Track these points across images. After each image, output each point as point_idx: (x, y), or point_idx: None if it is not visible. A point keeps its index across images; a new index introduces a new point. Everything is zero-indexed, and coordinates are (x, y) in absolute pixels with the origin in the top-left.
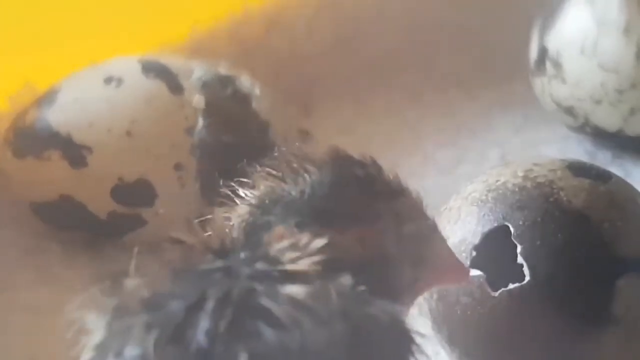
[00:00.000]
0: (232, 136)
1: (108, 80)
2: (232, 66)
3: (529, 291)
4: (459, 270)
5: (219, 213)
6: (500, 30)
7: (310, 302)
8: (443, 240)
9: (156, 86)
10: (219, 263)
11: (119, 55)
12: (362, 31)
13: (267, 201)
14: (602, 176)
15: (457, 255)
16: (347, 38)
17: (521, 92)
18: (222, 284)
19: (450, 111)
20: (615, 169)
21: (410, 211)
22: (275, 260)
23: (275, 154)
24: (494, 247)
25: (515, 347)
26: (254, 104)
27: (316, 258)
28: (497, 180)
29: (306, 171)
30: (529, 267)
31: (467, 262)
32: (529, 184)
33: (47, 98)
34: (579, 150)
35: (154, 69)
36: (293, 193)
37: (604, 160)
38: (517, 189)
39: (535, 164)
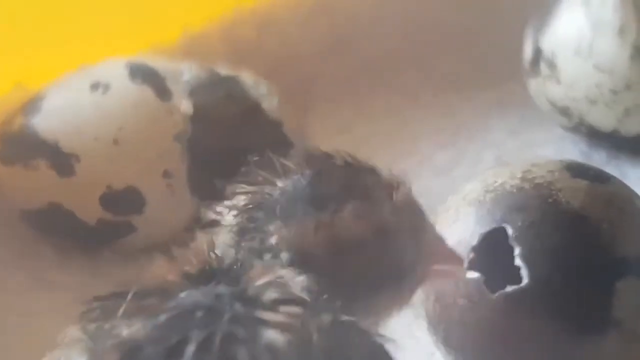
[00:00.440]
0: (227, 138)
1: (95, 86)
2: (233, 66)
3: (527, 293)
4: (451, 255)
5: (201, 233)
6: (497, 31)
7: (290, 351)
8: (431, 224)
9: (143, 92)
10: (200, 297)
11: (110, 57)
12: (358, 31)
13: (252, 206)
14: (600, 177)
15: None
16: (343, 38)
17: (518, 93)
18: (204, 326)
19: (448, 112)
20: (610, 170)
21: (392, 182)
22: (256, 300)
23: (250, 164)
24: (491, 248)
25: (512, 350)
26: (263, 104)
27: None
28: (495, 181)
29: (284, 172)
30: (527, 269)
31: (465, 264)
32: (527, 185)
33: (34, 105)
34: (575, 151)
35: (142, 74)
36: (275, 192)
37: (600, 160)
38: (515, 190)
39: (533, 165)
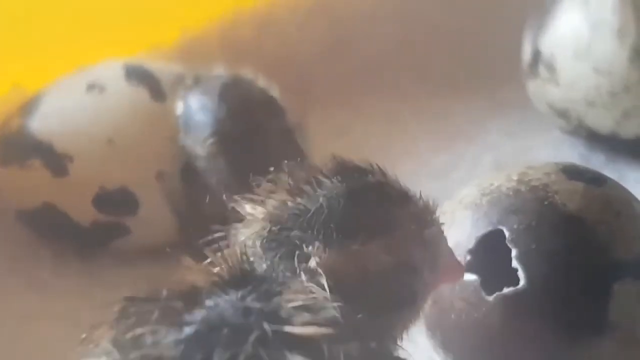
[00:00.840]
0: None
1: (91, 87)
2: (232, 67)
3: (524, 295)
4: (457, 269)
5: (231, 231)
6: (494, 33)
7: None
8: (446, 240)
9: (139, 93)
10: (228, 310)
11: (108, 58)
12: (356, 33)
13: (285, 216)
14: (596, 179)
15: None
16: (341, 40)
17: (515, 96)
18: (228, 345)
19: (445, 115)
20: (609, 172)
21: (425, 214)
22: (285, 321)
23: (283, 167)
24: (488, 251)
25: (510, 352)
26: (275, 109)
27: (327, 322)
28: (491, 184)
29: (318, 184)
30: (524, 271)
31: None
32: (523, 188)
33: (30, 106)
34: (573, 153)
35: (138, 75)
36: (310, 207)
37: (598, 163)
38: (511, 193)
39: (529, 168)
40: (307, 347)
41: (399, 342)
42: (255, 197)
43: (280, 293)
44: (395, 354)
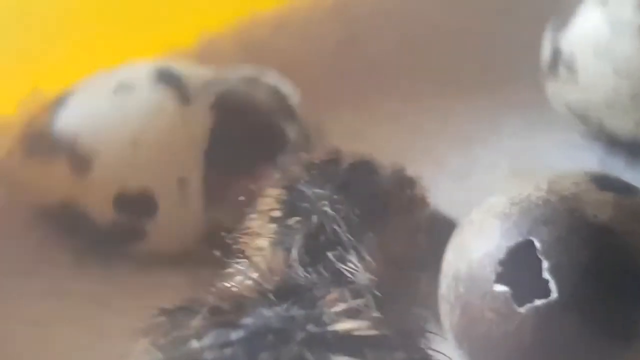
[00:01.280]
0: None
1: (119, 87)
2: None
3: (555, 307)
4: None
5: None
6: (505, 34)
7: None
8: None
9: (166, 96)
10: (274, 318)
11: (127, 60)
12: (370, 35)
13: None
14: (626, 189)
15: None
16: (355, 42)
17: (528, 97)
18: (273, 349)
19: (459, 116)
20: (628, 177)
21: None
22: (328, 325)
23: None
24: (518, 262)
25: None
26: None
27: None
28: (520, 193)
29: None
30: (556, 283)
31: (493, 277)
32: (553, 198)
33: (58, 103)
34: (591, 157)
35: (166, 78)
36: (336, 210)
37: (616, 167)
38: (541, 203)
39: (558, 176)
40: (351, 350)
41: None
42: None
43: (322, 298)
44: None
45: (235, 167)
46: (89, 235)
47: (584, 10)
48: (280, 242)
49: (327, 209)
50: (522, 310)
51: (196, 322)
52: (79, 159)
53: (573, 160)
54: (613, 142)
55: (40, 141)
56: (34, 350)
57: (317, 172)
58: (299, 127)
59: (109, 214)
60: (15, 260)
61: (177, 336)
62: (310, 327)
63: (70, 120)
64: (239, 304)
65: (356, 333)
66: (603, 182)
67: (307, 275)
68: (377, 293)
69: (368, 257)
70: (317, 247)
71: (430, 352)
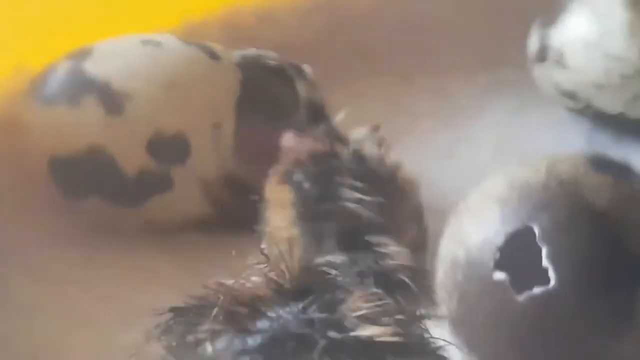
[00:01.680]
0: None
1: (146, 42)
2: None
3: (554, 295)
4: None
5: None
6: (493, 14)
7: None
8: None
9: (194, 51)
10: (293, 322)
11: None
12: (356, 16)
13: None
14: (624, 171)
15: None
16: (340, 25)
17: (515, 76)
18: (293, 357)
19: (445, 94)
20: (614, 152)
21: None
22: (350, 330)
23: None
24: (517, 248)
25: (538, 353)
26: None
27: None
28: (519, 177)
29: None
30: (554, 270)
31: (491, 264)
32: (552, 182)
33: (81, 53)
34: (578, 133)
35: (189, 41)
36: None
37: (603, 143)
38: (540, 187)
39: (556, 159)
40: (373, 357)
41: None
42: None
43: (344, 301)
44: None
45: (262, 121)
46: (111, 188)
47: (573, 8)
48: (310, 231)
49: (357, 194)
50: (520, 298)
51: (209, 325)
52: (112, 99)
53: (560, 136)
54: (600, 119)
55: (65, 87)
56: (17, 334)
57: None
58: (309, 86)
59: (139, 161)
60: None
61: (189, 339)
62: (332, 333)
63: (100, 66)
64: (254, 306)
65: (378, 339)
66: (600, 164)
67: (336, 268)
68: (410, 282)
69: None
70: (352, 233)
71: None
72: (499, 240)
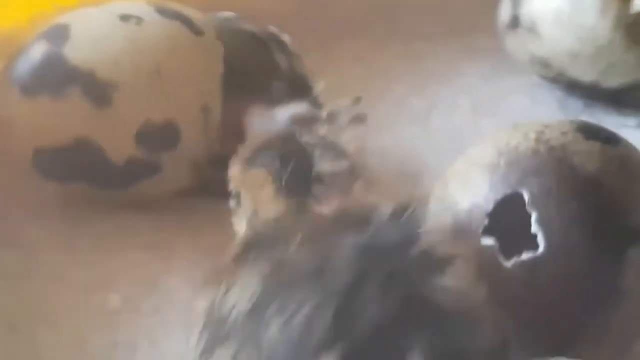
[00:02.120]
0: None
1: (125, 18)
2: None
3: (542, 261)
4: None
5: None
6: None
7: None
8: None
9: (177, 27)
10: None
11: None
12: None
13: None
14: (611, 139)
15: (468, 222)
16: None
17: (488, 43)
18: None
19: (419, 59)
20: (586, 117)
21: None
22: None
23: None
24: (506, 214)
25: (526, 319)
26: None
27: None
28: (508, 143)
29: None
30: (544, 237)
31: (480, 230)
32: (541, 148)
33: (56, 33)
34: (551, 98)
35: (169, 13)
36: None
37: (575, 108)
38: (530, 153)
39: (545, 126)
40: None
41: None
42: None
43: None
44: None
45: (246, 97)
46: (98, 177)
47: None
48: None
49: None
50: (509, 264)
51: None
52: (98, 90)
53: (534, 101)
54: (573, 86)
55: (46, 76)
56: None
57: None
58: (290, 57)
59: (128, 150)
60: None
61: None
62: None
63: (81, 51)
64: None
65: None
66: (588, 131)
67: None
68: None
69: None
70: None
71: None
72: (488, 206)
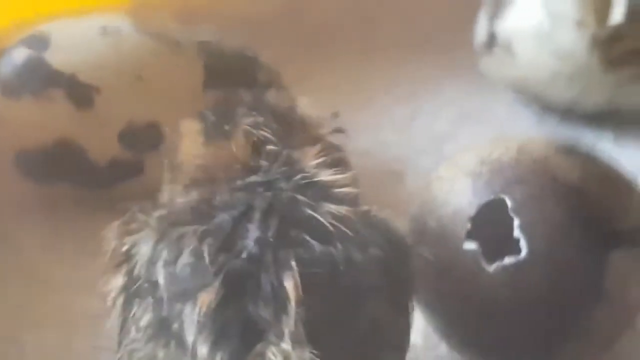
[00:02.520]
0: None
1: (104, 29)
2: None
3: (524, 265)
4: None
5: None
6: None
7: (352, 218)
8: None
9: (159, 40)
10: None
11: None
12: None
13: None
14: (590, 156)
15: (452, 226)
16: (293, 6)
17: (469, 56)
18: (265, 197)
19: (402, 73)
20: (562, 132)
21: None
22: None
23: None
24: (489, 219)
25: (507, 322)
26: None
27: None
28: (490, 154)
29: None
30: (526, 241)
31: (463, 234)
32: (524, 159)
33: (36, 40)
34: (528, 112)
35: (147, 29)
36: None
37: (552, 123)
38: (513, 163)
39: (526, 142)
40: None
41: None
42: None
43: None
44: None
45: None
46: (81, 175)
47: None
48: None
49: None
50: (491, 269)
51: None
52: (80, 92)
53: (510, 115)
54: (547, 108)
55: (28, 78)
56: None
57: None
58: (266, 72)
59: (111, 151)
60: None
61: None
62: (297, 178)
63: (63, 57)
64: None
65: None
66: (569, 150)
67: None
68: None
69: None
70: None
71: None
72: (471, 210)
